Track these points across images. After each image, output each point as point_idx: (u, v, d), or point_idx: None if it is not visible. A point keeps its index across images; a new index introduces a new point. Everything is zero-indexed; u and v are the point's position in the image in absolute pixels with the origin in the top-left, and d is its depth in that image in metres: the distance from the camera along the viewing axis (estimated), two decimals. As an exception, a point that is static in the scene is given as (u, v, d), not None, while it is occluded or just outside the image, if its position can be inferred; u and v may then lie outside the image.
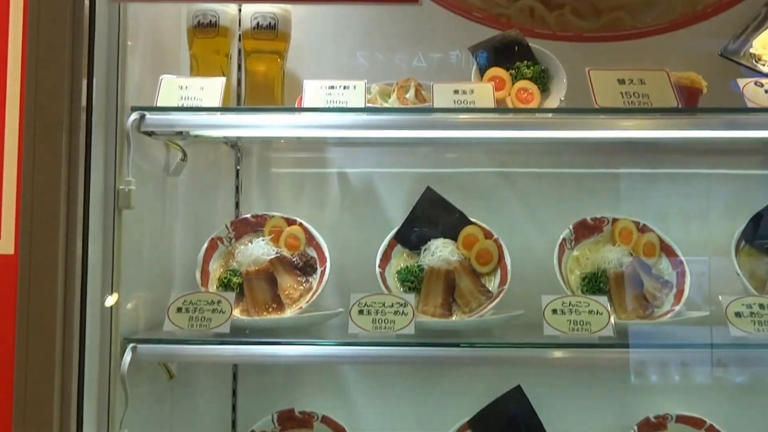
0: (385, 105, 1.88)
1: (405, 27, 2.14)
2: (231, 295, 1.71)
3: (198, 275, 1.87)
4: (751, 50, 1.92)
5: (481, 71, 1.91)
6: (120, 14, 1.63)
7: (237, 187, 2.14)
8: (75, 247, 1.47)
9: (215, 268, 1.91)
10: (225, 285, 1.84)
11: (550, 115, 1.78)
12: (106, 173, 1.59)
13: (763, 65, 1.87)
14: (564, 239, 1.93)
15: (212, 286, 1.86)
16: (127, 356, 1.59)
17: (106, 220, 1.58)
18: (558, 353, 1.65)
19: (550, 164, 2.16)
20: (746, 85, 1.71)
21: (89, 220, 1.50)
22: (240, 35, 1.97)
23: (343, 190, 2.19)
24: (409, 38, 2.15)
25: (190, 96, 1.72)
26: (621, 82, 1.71)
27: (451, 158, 2.19)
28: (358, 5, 1.58)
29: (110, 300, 1.59)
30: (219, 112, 1.68)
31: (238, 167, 2.16)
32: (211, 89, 1.73)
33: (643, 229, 1.96)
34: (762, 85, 1.71)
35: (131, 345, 1.61)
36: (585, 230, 1.97)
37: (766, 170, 2.15)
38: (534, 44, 1.98)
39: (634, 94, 1.69)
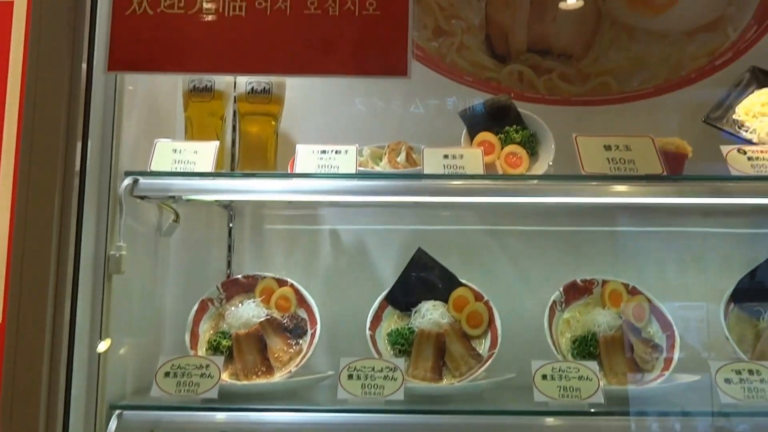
0: (377, 168, 1.91)
1: (399, 84, 2.18)
2: (220, 359, 1.70)
3: (187, 338, 1.86)
4: (734, 116, 1.96)
5: (471, 135, 1.95)
6: (117, 79, 1.66)
7: (229, 246, 2.15)
8: (63, 315, 1.46)
9: (205, 330, 1.90)
10: (214, 348, 1.83)
11: (536, 181, 1.79)
12: (98, 238, 1.59)
13: (746, 131, 1.90)
14: (554, 301, 1.93)
15: (202, 349, 1.85)
16: (113, 424, 1.57)
17: (96, 286, 1.58)
18: (549, 420, 1.63)
19: (540, 223, 2.18)
20: (729, 152, 1.74)
21: (78, 287, 1.49)
22: (235, 97, 2.00)
23: (335, 249, 2.20)
24: (405, 90, 2.19)
25: (184, 160, 1.74)
26: (607, 148, 1.74)
27: (442, 217, 2.21)
28: (347, 77, 1.60)
29: (102, 346, 1.57)
30: (211, 177, 1.70)
31: (231, 225, 2.17)
32: (204, 153, 1.75)
33: (632, 291, 1.96)
34: (744, 153, 1.74)
35: (117, 412, 1.59)
36: (575, 292, 1.98)
37: (755, 230, 2.17)
38: (523, 108, 2.02)
39: (620, 160, 1.71)
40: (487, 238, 2.19)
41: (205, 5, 1.54)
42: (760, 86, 2.02)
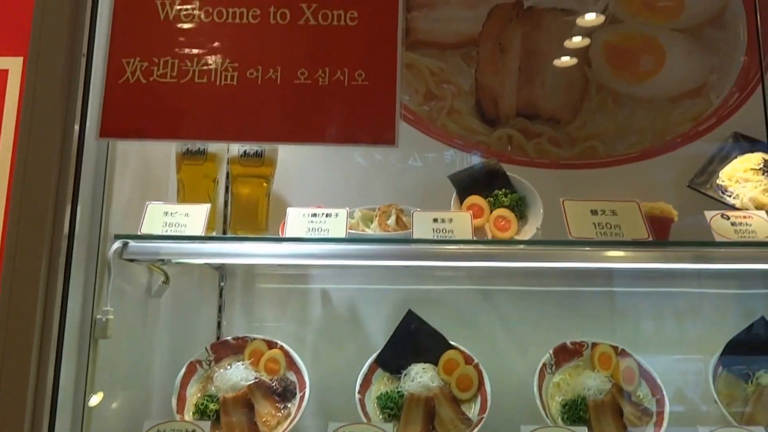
0: (367, 230, 1.93)
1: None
2: (206, 424, 1.68)
3: (174, 401, 1.84)
4: (718, 181, 1.99)
5: (461, 198, 1.97)
6: (109, 143, 1.68)
7: (220, 307, 2.15)
8: (45, 381, 1.45)
9: (193, 393, 1.89)
10: (201, 412, 1.81)
11: (524, 246, 1.81)
12: (85, 301, 1.59)
13: (730, 196, 1.93)
14: (544, 364, 1.93)
15: (188, 413, 1.83)
16: (96, 490, 1.55)
17: (82, 350, 1.57)
18: (539, 486, 1.62)
19: (529, 283, 2.19)
20: (713, 217, 1.76)
21: (63, 350, 1.49)
22: (228, 159, 2.03)
23: (326, 309, 2.20)
24: (397, 152, 2.23)
25: (175, 222, 1.75)
26: (594, 212, 1.76)
27: (432, 277, 2.22)
28: (335, 146, 1.63)
29: (94, 400, 1.56)
30: (201, 241, 1.71)
31: (222, 285, 2.18)
32: (195, 216, 1.76)
33: (621, 353, 1.96)
34: (728, 218, 1.76)
35: (101, 478, 1.57)
36: (565, 354, 1.97)
37: (743, 291, 2.18)
38: (513, 171, 2.06)
39: (606, 225, 1.73)
40: (477, 298, 2.20)
41: (198, 74, 1.58)
42: (743, 152, 2.06)
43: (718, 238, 1.71)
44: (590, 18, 2.32)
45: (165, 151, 2.06)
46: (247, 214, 1.98)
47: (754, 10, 2.19)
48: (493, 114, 2.27)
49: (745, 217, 1.77)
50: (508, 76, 2.28)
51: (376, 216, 1.95)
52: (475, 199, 1.94)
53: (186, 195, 1.95)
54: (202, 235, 1.70)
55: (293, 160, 2.12)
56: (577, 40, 2.31)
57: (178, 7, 1.61)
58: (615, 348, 1.96)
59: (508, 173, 2.02)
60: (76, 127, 1.57)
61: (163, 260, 1.83)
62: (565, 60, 2.30)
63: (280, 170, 2.04)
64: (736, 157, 2.05)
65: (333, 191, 2.20)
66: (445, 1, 2.33)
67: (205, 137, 1.69)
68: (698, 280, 2.16)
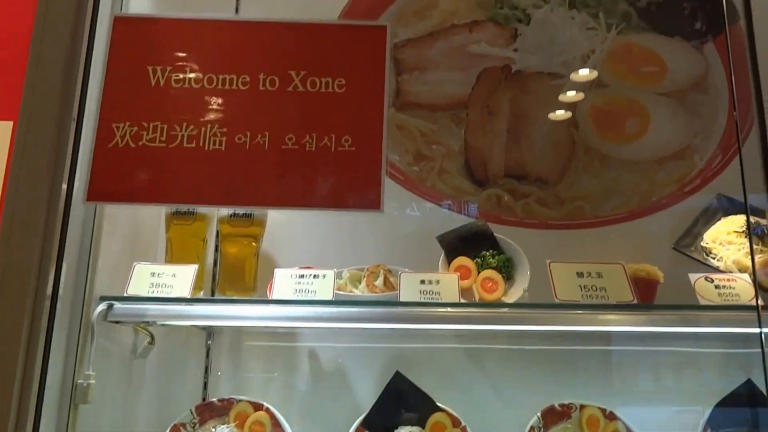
0: (356, 291, 1.92)
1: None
2: (189, 490, 1.66)
3: (157, 465, 1.81)
4: (703, 243, 2.01)
5: (449, 259, 1.98)
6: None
7: (206, 368, 2.13)
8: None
9: (176, 456, 1.86)
10: (184, 476, 1.78)
11: (510, 309, 1.81)
12: (66, 365, 1.58)
13: (714, 258, 1.94)
14: (532, 427, 1.91)
15: (170, 479, 1.80)
16: None
17: (61, 415, 1.55)
18: None
19: (518, 343, 2.18)
20: (697, 280, 1.77)
21: (41, 416, 1.45)
22: (218, 218, 2.04)
23: (313, 368, 2.18)
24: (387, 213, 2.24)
25: (162, 283, 1.75)
26: (580, 275, 1.77)
27: (420, 336, 2.21)
28: (322, 211, 1.65)
29: None
30: (188, 303, 1.71)
31: (209, 343, 2.16)
32: (182, 276, 1.77)
33: (610, 416, 1.94)
34: (712, 281, 1.77)
35: None
36: (553, 417, 1.96)
37: (729, 350, 2.17)
38: (501, 231, 2.07)
39: (592, 287, 1.74)
40: (465, 357, 2.18)
41: (186, 139, 1.60)
42: (726, 214, 2.09)
43: (702, 301, 1.72)
44: (577, 82, 2.37)
45: (155, 210, 2.07)
46: (236, 274, 1.98)
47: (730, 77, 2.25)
48: (482, 174, 2.30)
49: (728, 280, 1.79)
50: (496, 138, 2.32)
51: (364, 277, 1.95)
52: (462, 260, 1.95)
53: (174, 254, 1.96)
54: (189, 296, 1.70)
55: (283, 220, 2.13)
56: (564, 103, 2.35)
57: (170, 74, 1.65)
58: (603, 411, 1.95)
59: (495, 234, 2.03)
60: (64, 186, 1.57)
61: (148, 322, 1.82)
62: (553, 122, 2.34)
63: (270, 229, 2.04)
64: (720, 219, 2.08)
65: (323, 250, 2.21)
66: (435, 65, 2.38)
67: (192, 202, 1.70)
68: (685, 341, 2.16)
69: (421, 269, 1.91)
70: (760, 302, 1.67)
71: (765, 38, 2.32)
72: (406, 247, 2.21)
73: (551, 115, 2.35)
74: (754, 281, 1.74)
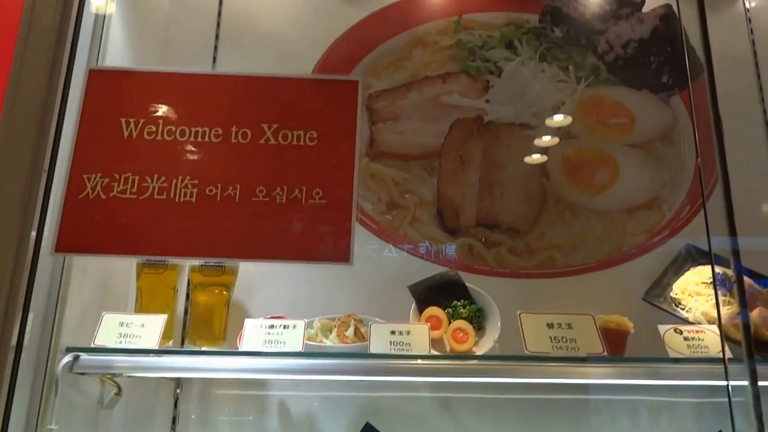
0: (326, 341, 1.92)
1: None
2: None
3: None
4: (672, 294, 2.03)
5: (420, 309, 1.99)
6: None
7: (174, 418, 2.10)
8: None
9: None
10: None
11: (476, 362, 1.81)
12: (29, 417, 1.55)
13: (683, 309, 1.97)
14: (505, 480, 1.90)
15: None
16: None
17: (24, 470, 1.52)
18: None
19: (490, 391, 2.17)
20: (666, 331, 1.79)
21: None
22: (189, 267, 2.03)
23: (283, 419, 2.15)
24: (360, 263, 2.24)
25: (130, 334, 1.74)
26: (550, 326, 1.78)
27: (391, 385, 2.19)
28: (291, 263, 1.65)
29: None
30: (155, 354, 1.69)
31: (178, 392, 2.13)
32: (151, 327, 1.75)
33: (584, 466, 1.94)
34: (681, 332, 1.79)
35: None
36: (527, 469, 1.95)
37: (705, 400, 2.18)
38: (473, 280, 2.09)
39: (562, 338, 1.75)
40: (436, 407, 2.17)
41: (157, 191, 1.60)
42: (695, 264, 2.12)
43: (671, 353, 1.74)
44: (548, 133, 2.41)
45: (127, 259, 2.06)
46: (205, 324, 1.96)
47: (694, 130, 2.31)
48: (454, 224, 2.32)
49: (697, 331, 1.81)
50: (468, 187, 2.35)
51: (335, 326, 1.94)
52: (433, 310, 1.95)
53: (144, 303, 1.94)
54: (156, 348, 1.69)
55: (255, 268, 2.12)
56: (536, 152, 2.40)
57: (143, 126, 1.66)
58: (576, 463, 1.95)
59: (467, 284, 2.05)
60: (33, 236, 1.55)
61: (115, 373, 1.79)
62: (525, 172, 2.38)
63: (241, 277, 2.04)
64: (689, 269, 2.11)
65: (294, 299, 2.21)
66: (409, 115, 2.42)
67: (161, 254, 1.69)
68: (659, 390, 2.16)
69: (394, 318, 1.92)
70: (727, 355, 1.69)
71: (728, 91, 2.40)
72: (378, 296, 2.21)
73: (523, 164, 2.38)
74: (721, 334, 1.76)
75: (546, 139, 2.41)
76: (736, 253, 1.67)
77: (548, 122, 2.42)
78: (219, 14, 2.46)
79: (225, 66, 2.36)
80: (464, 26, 2.53)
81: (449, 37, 2.52)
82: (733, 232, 1.67)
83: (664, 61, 2.52)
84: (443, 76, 2.47)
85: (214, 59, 2.39)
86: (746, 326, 1.71)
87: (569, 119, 2.43)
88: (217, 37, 2.42)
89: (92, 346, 1.69)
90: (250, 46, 2.46)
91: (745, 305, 1.78)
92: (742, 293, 1.79)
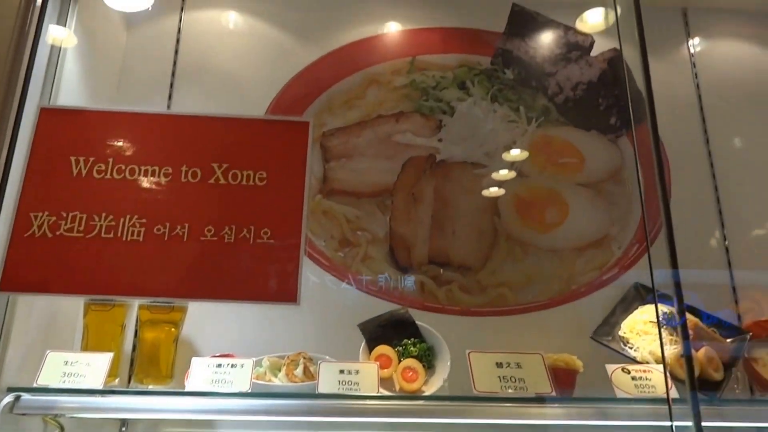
0: (275, 380, 1.90)
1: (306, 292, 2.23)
2: None
3: None
4: (620, 332, 2.07)
5: (370, 347, 1.99)
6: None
7: (120, 460, 2.06)
8: None
9: None
10: None
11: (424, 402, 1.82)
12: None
13: (631, 348, 2.00)
14: None
15: None
16: None
17: None
18: None
19: (440, 431, 2.17)
20: (614, 371, 1.81)
21: None
22: (138, 304, 2.01)
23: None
24: (311, 298, 2.24)
25: (75, 372, 1.70)
26: (499, 365, 1.79)
27: (339, 424, 2.17)
28: (238, 303, 1.65)
29: None
30: (100, 395, 1.66)
31: (124, 430, 2.09)
32: (97, 365, 1.72)
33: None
34: (629, 372, 1.81)
35: None
36: None
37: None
38: (424, 317, 2.10)
39: (511, 378, 1.77)
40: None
41: (104, 229, 1.59)
42: (643, 303, 2.16)
43: (618, 393, 1.76)
44: (503, 167, 2.46)
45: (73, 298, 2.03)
46: (152, 362, 1.93)
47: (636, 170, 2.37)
48: (406, 261, 2.34)
49: (645, 371, 1.83)
50: (420, 225, 2.38)
51: (284, 365, 1.93)
52: (383, 348, 1.96)
53: (90, 341, 1.90)
54: (101, 387, 1.66)
55: (204, 305, 2.10)
56: (486, 193, 2.44)
57: (92, 165, 1.65)
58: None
59: (417, 322, 2.06)
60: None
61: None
62: (476, 210, 2.42)
63: (191, 314, 2.01)
64: (637, 308, 2.15)
65: (244, 336, 2.19)
66: (362, 153, 2.45)
67: (108, 293, 1.67)
68: (611, 428, 2.18)
69: (345, 356, 1.92)
70: (672, 394, 1.71)
71: (675, 132, 2.48)
72: (329, 334, 2.21)
73: (475, 202, 2.42)
74: (665, 373, 1.79)
75: (503, 173, 2.46)
76: (678, 290, 1.72)
77: (504, 156, 2.47)
78: (176, 52, 2.48)
79: (181, 103, 2.37)
80: (418, 67, 2.59)
81: (403, 77, 2.57)
82: (675, 270, 1.71)
83: (612, 103, 2.61)
84: (397, 115, 2.51)
85: (170, 96, 2.39)
86: (690, 363, 1.75)
87: (525, 154, 2.49)
88: (173, 75, 2.43)
89: (35, 385, 1.65)
90: (206, 84, 2.47)
91: (687, 338, 1.82)
92: (685, 330, 1.83)
